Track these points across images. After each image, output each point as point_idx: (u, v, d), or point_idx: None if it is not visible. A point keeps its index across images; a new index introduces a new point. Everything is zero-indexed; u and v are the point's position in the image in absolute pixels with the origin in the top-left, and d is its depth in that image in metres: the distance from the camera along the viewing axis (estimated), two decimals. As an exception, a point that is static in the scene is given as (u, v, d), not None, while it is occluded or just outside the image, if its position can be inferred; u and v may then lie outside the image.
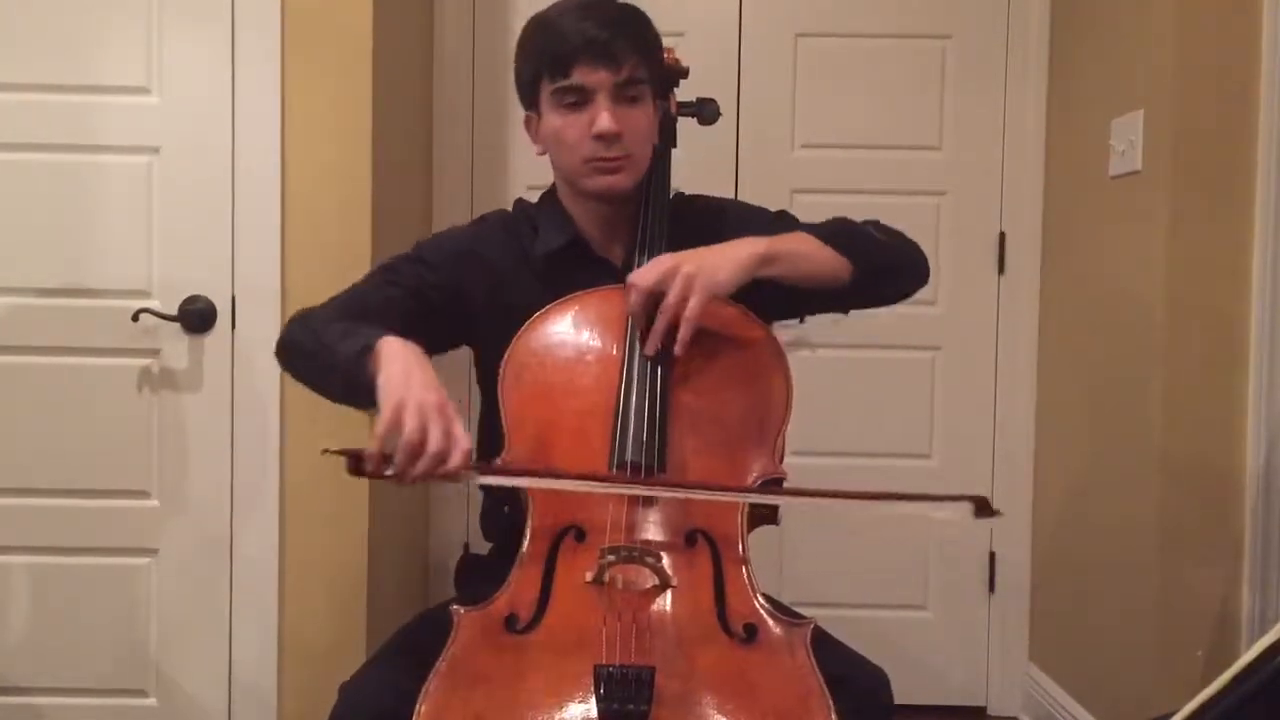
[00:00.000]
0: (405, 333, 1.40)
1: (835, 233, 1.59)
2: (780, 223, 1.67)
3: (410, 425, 1.26)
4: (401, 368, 1.33)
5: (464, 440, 1.29)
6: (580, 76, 1.51)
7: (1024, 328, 2.94)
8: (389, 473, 1.28)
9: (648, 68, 1.56)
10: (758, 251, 1.49)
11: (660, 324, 1.43)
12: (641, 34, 1.56)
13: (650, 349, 1.45)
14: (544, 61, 1.54)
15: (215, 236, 2.33)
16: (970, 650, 3.00)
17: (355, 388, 1.37)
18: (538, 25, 1.57)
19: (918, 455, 2.98)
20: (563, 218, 1.65)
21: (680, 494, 1.40)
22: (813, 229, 1.60)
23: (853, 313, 1.69)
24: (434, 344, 1.56)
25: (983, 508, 1.32)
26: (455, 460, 1.28)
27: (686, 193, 1.73)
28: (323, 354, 1.45)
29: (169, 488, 2.36)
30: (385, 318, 1.47)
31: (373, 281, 1.61)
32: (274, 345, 1.58)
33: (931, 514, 1.36)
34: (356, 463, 1.29)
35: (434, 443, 1.26)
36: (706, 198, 1.75)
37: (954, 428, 2.98)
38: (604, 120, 1.51)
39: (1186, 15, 2.24)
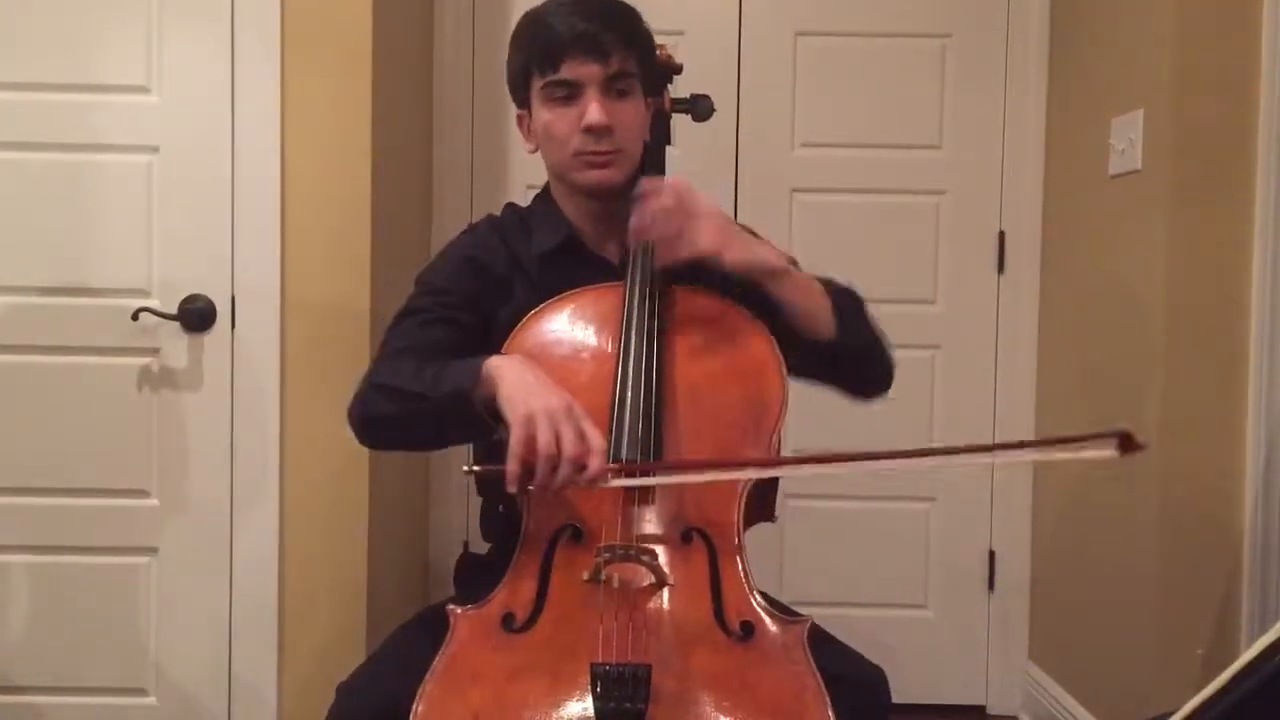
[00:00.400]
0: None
1: (838, 293, 1.59)
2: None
3: (544, 434, 1.26)
4: (518, 378, 1.33)
5: (599, 440, 1.29)
6: (569, 70, 1.51)
7: (1024, 327, 2.94)
8: (531, 487, 1.28)
9: (637, 62, 1.56)
10: (771, 260, 1.51)
11: (648, 225, 1.44)
12: (631, 28, 1.56)
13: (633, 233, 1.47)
14: (533, 56, 1.55)
15: (215, 235, 2.33)
16: (970, 649, 3.00)
17: (470, 422, 1.36)
18: (528, 21, 1.58)
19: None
20: (557, 217, 1.65)
21: (687, 479, 1.38)
22: (819, 281, 1.58)
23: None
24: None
25: (1127, 443, 1.23)
26: (595, 464, 1.28)
27: None
28: (421, 407, 1.40)
29: (169, 487, 2.36)
30: (446, 355, 1.45)
31: (406, 331, 1.56)
32: (353, 425, 1.51)
33: (1078, 455, 1.28)
34: (504, 480, 1.28)
35: (569, 447, 1.26)
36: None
37: (954, 427, 2.98)
38: (593, 113, 1.51)
39: (1186, 15, 2.24)
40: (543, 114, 1.56)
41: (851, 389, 1.65)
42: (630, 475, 1.36)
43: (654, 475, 1.38)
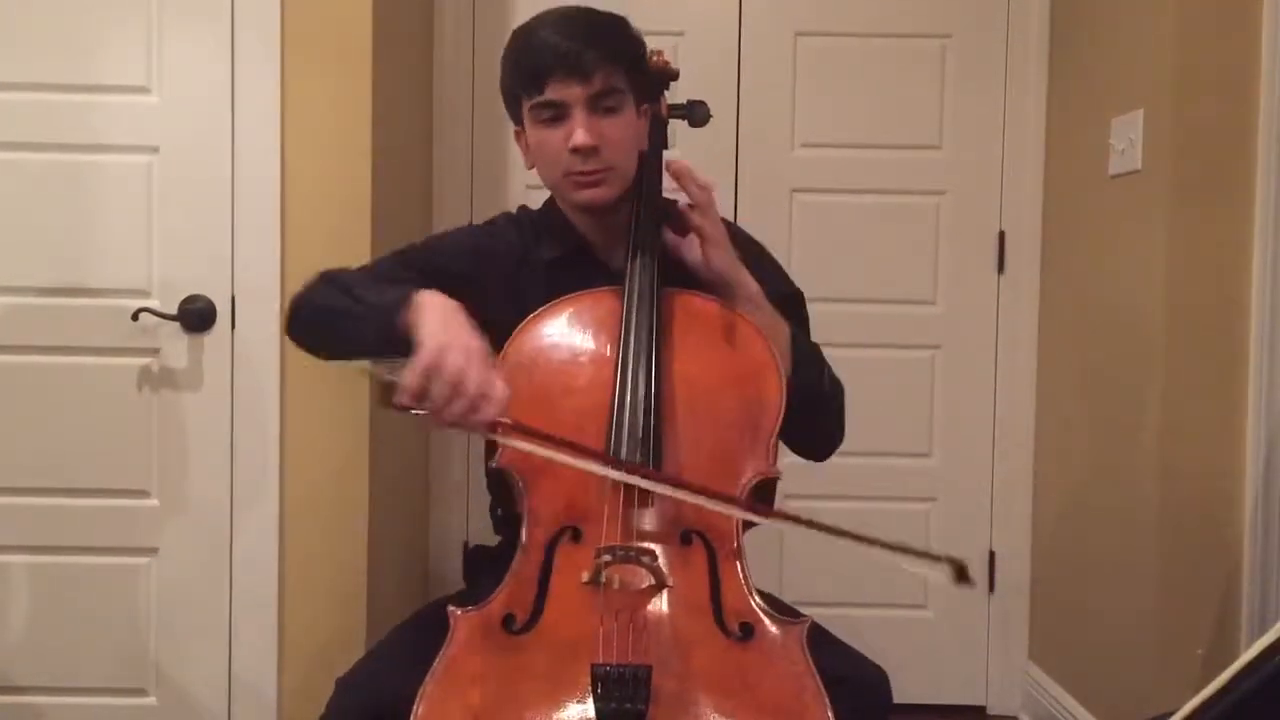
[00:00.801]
0: None
1: (805, 346, 1.61)
2: (786, 302, 1.65)
3: (453, 363, 1.24)
4: (444, 315, 1.32)
5: (502, 389, 1.27)
6: (553, 92, 1.52)
7: (1024, 327, 2.94)
8: (421, 410, 1.25)
9: (625, 76, 1.55)
10: (748, 287, 1.53)
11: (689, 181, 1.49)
12: (615, 43, 1.55)
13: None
14: (519, 78, 1.55)
15: (215, 236, 2.33)
16: (970, 649, 3.00)
17: (389, 336, 1.34)
18: (516, 40, 1.58)
19: (918, 454, 2.98)
20: (564, 225, 1.66)
21: (678, 494, 1.38)
22: (791, 333, 1.59)
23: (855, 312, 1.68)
24: None
25: (961, 575, 1.31)
26: (490, 410, 1.26)
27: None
28: (355, 307, 1.43)
29: (169, 487, 2.37)
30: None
31: (387, 264, 1.61)
32: (290, 308, 1.54)
33: (906, 567, 1.37)
34: (387, 392, 1.25)
35: (474, 385, 1.24)
36: (730, 223, 1.72)
37: (954, 427, 2.98)
38: (578, 136, 1.51)
39: (1186, 15, 2.24)
40: (533, 134, 1.57)
41: (792, 442, 1.64)
42: (617, 468, 1.37)
43: (625, 472, 1.37)
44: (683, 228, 1.55)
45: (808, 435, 1.64)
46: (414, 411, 1.26)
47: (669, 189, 1.62)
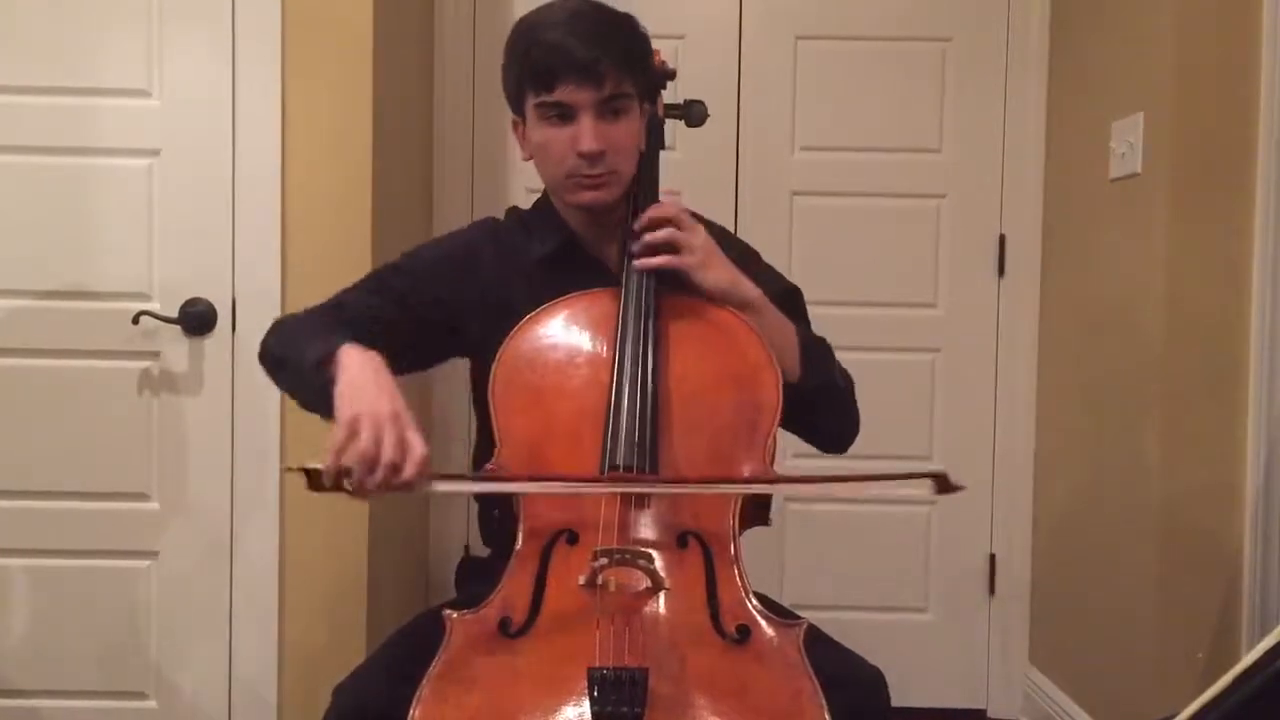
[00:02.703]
0: (386, 341, 1.42)
1: (811, 342, 1.61)
2: (785, 298, 1.66)
3: (365, 436, 1.27)
4: (356, 377, 1.34)
5: (418, 448, 1.29)
6: (563, 95, 1.51)
7: (1024, 330, 2.94)
8: (347, 486, 1.29)
9: (634, 80, 1.55)
10: (749, 295, 1.53)
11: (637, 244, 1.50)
12: (628, 48, 1.54)
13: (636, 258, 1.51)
14: (527, 74, 1.54)
15: (215, 239, 2.33)
16: (970, 653, 3.00)
17: (319, 397, 1.37)
18: (524, 33, 1.56)
19: (918, 457, 2.98)
20: (556, 221, 1.65)
21: (649, 489, 1.38)
22: (798, 330, 1.60)
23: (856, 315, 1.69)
24: (420, 355, 1.60)
25: (943, 484, 1.31)
26: (409, 470, 1.28)
27: (693, 212, 1.70)
28: (291, 362, 1.47)
29: (169, 490, 2.37)
30: (364, 326, 1.48)
31: (358, 289, 1.62)
32: (259, 356, 1.59)
33: (895, 491, 1.37)
34: (313, 479, 1.29)
35: (388, 453, 1.27)
36: (723, 229, 1.73)
37: (954, 429, 2.98)
38: (586, 141, 1.50)
39: (1186, 18, 2.24)
40: (537, 131, 1.56)
41: (815, 437, 1.67)
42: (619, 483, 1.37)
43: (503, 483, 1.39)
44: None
45: (829, 429, 1.66)
46: (344, 489, 1.29)
47: (663, 191, 1.63)
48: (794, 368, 1.55)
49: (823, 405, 1.60)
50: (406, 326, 1.57)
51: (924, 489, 1.32)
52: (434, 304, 1.60)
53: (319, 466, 1.28)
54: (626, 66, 1.52)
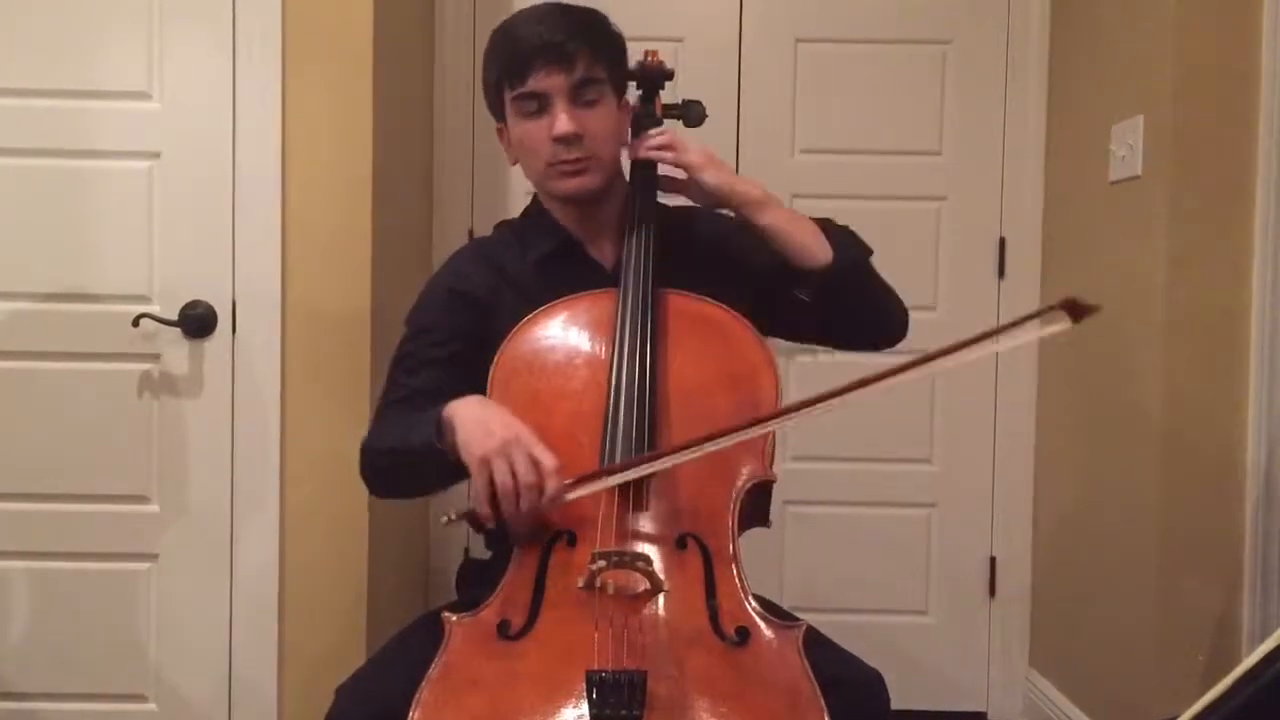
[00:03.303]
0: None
1: (829, 224, 1.64)
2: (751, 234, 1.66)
3: (499, 471, 1.32)
4: (469, 422, 1.38)
5: (550, 461, 1.33)
6: (536, 82, 1.53)
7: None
8: (503, 521, 1.35)
9: (606, 67, 1.57)
10: (758, 194, 1.57)
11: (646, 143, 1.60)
12: (596, 34, 1.57)
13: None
14: (502, 70, 1.57)
15: (216, 241, 2.33)
16: (971, 655, 3.00)
17: (450, 470, 1.41)
18: (496, 35, 1.60)
19: (918, 460, 2.98)
20: (550, 224, 1.66)
21: (704, 449, 1.35)
22: (819, 219, 1.64)
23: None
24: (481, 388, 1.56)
25: (1076, 310, 1.22)
26: (551, 486, 1.33)
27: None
28: (403, 465, 1.50)
29: (169, 493, 2.36)
30: (435, 399, 1.47)
31: (398, 381, 1.62)
32: (366, 485, 1.61)
33: (1030, 338, 1.28)
34: (476, 522, 1.36)
35: (524, 478, 1.32)
36: (714, 212, 1.73)
37: (954, 432, 2.98)
38: (561, 123, 1.52)
39: (1186, 20, 2.24)
40: (516, 127, 1.58)
41: (863, 328, 1.67)
42: (611, 474, 1.37)
43: (628, 470, 1.37)
44: (671, 183, 1.62)
45: (882, 306, 1.66)
46: (504, 521, 1.36)
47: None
48: (823, 250, 1.57)
49: (868, 282, 1.63)
50: (460, 370, 1.56)
51: (1059, 324, 1.21)
52: (461, 340, 1.60)
53: (473, 511, 1.35)
54: (596, 50, 1.55)
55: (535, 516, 1.36)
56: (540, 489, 1.32)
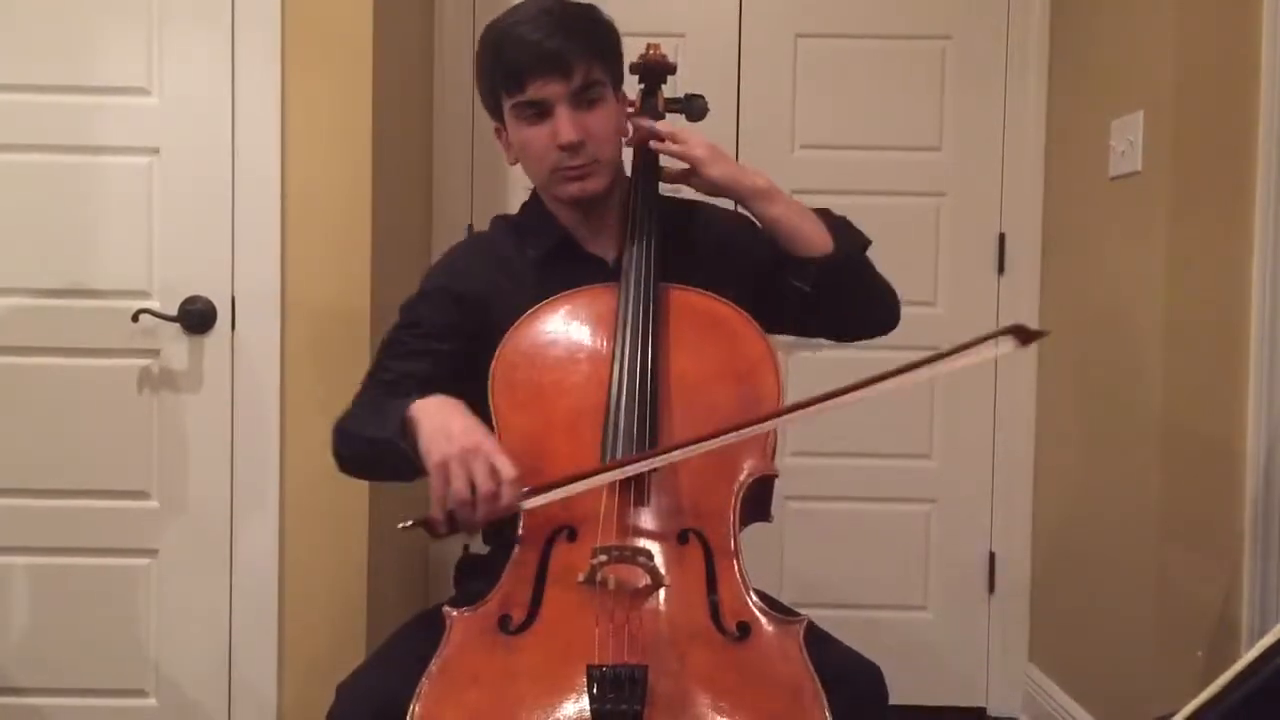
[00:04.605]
0: (439, 388, 1.43)
1: (828, 213, 1.65)
2: (752, 228, 1.67)
3: (456, 477, 1.30)
4: (431, 425, 1.37)
5: (508, 470, 1.31)
6: (535, 91, 1.52)
7: (1024, 328, 2.93)
8: (461, 527, 1.33)
9: (604, 67, 1.56)
10: (762, 184, 1.58)
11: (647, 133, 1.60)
12: (592, 35, 1.56)
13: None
14: (499, 77, 1.55)
15: (215, 237, 2.33)
16: (970, 651, 3.00)
17: (410, 465, 1.40)
18: (491, 38, 1.58)
19: (918, 455, 2.98)
20: (549, 221, 1.66)
21: (718, 442, 1.35)
22: (818, 209, 1.64)
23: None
24: (473, 379, 1.53)
25: (1024, 335, 1.24)
26: (506, 495, 1.31)
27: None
28: (370, 451, 1.49)
29: (169, 488, 2.36)
30: (413, 389, 1.47)
31: (382, 363, 1.63)
32: (332, 450, 1.60)
33: (977, 359, 1.29)
34: (430, 528, 1.33)
35: (482, 486, 1.30)
36: (714, 205, 1.75)
37: (954, 428, 2.98)
38: (565, 132, 1.52)
39: (1186, 16, 2.24)
40: (516, 132, 1.57)
41: (860, 317, 1.69)
42: (571, 481, 1.36)
43: (592, 478, 1.37)
44: (673, 175, 1.62)
45: (878, 298, 1.69)
46: (459, 531, 1.34)
47: (663, 188, 1.64)
48: (824, 240, 1.58)
49: (866, 273, 1.65)
50: (445, 367, 1.57)
51: (1005, 347, 1.25)
52: (451, 333, 1.60)
53: (429, 517, 1.33)
54: (594, 53, 1.54)
55: (490, 523, 1.35)
56: (496, 497, 1.30)
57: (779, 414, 1.39)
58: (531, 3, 1.58)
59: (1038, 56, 2.90)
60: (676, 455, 1.35)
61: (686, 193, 1.70)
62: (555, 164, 1.55)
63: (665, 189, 1.65)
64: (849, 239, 1.62)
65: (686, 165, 1.60)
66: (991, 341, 1.26)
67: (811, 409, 1.32)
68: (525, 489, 1.33)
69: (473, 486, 1.30)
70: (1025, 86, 2.92)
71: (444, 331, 1.60)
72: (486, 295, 1.62)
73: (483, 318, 1.59)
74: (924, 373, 1.28)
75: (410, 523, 1.33)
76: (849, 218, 1.68)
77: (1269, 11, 2.15)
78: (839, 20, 2.94)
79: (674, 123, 1.72)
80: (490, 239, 1.72)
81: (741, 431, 1.35)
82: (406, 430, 1.39)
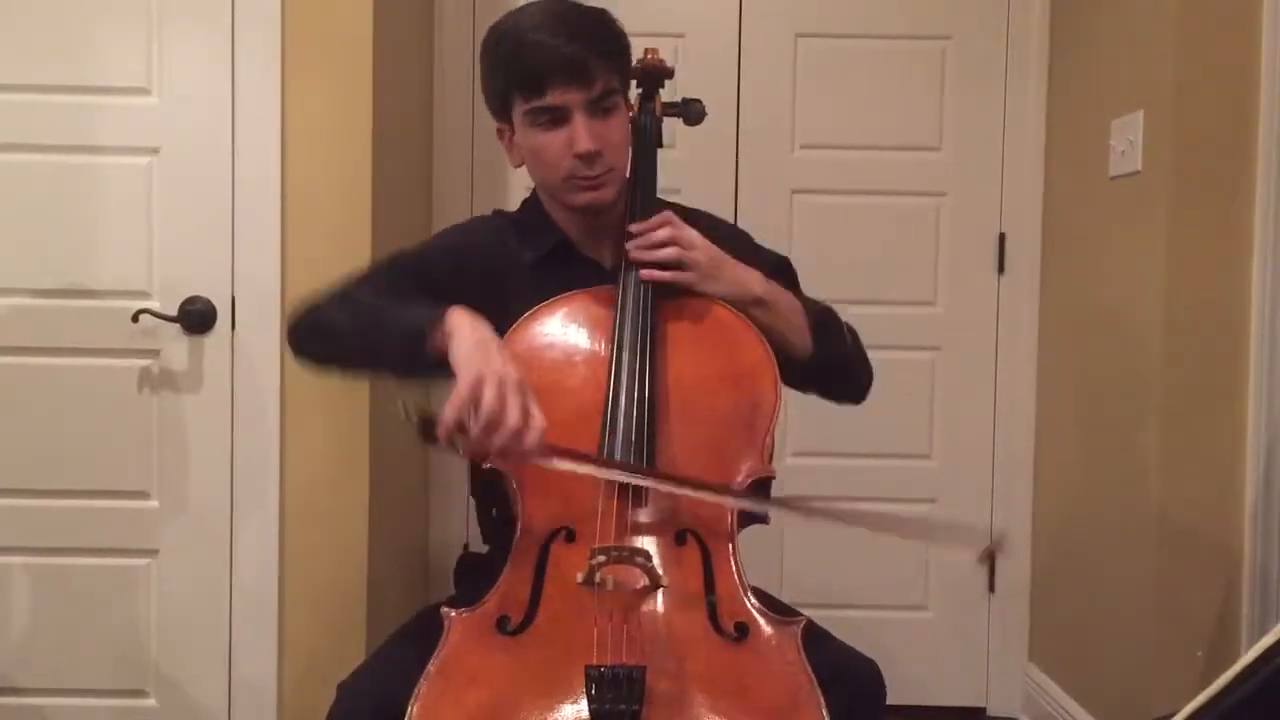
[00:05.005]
0: None
1: (818, 313, 1.64)
2: (780, 273, 1.67)
3: (490, 397, 1.26)
4: (474, 338, 1.34)
5: (540, 419, 1.29)
6: (555, 97, 1.50)
7: (1024, 328, 2.94)
8: (460, 444, 1.28)
9: (619, 76, 1.55)
10: (759, 291, 1.55)
11: (639, 254, 1.52)
12: (612, 45, 1.54)
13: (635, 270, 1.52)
14: (515, 80, 1.52)
15: (215, 237, 2.33)
16: (970, 651, 3.00)
17: (415, 357, 1.36)
18: (505, 38, 1.55)
19: (918, 455, 2.98)
20: (547, 224, 1.65)
21: (710, 496, 1.38)
22: (802, 301, 1.63)
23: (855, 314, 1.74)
24: None
25: (985, 555, 1.31)
26: (532, 438, 1.28)
27: (687, 205, 1.71)
28: (375, 326, 1.44)
29: (169, 488, 2.37)
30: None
31: (371, 281, 1.59)
32: (293, 324, 1.55)
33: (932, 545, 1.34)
34: (429, 428, 1.27)
35: (513, 418, 1.27)
36: (711, 216, 1.74)
37: (954, 428, 2.98)
38: (583, 140, 1.50)
39: (1187, 15, 2.23)
40: (528, 137, 1.55)
41: (828, 397, 1.72)
42: (598, 464, 1.37)
43: (612, 470, 1.37)
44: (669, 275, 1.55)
45: (846, 391, 1.72)
46: (454, 445, 1.28)
47: (662, 189, 1.63)
48: (807, 344, 1.59)
49: (837, 371, 1.66)
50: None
51: (968, 553, 1.32)
52: (439, 295, 1.59)
53: (438, 415, 1.26)
54: (612, 62, 1.53)
55: (490, 459, 1.31)
56: (521, 436, 1.27)
57: (779, 502, 1.45)
58: (544, 5, 1.55)
59: (1038, 56, 2.90)
60: (674, 488, 1.37)
61: (685, 198, 1.70)
62: (570, 172, 1.53)
63: (663, 194, 1.65)
64: (830, 343, 1.63)
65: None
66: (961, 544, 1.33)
67: (799, 513, 1.38)
68: (549, 447, 1.30)
69: (502, 416, 1.26)
70: (1025, 86, 2.92)
71: (433, 288, 1.54)
72: (494, 275, 1.61)
73: (484, 294, 1.55)
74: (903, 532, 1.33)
75: (413, 413, 1.26)
76: (832, 308, 1.69)
77: (1269, 11, 2.15)
78: (839, 20, 2.94)
79: (672, 128, 1.72)
80: (499, 226, 1.71)
81: (740, 500, 1.40)
82: (437, 327, 1.36)
